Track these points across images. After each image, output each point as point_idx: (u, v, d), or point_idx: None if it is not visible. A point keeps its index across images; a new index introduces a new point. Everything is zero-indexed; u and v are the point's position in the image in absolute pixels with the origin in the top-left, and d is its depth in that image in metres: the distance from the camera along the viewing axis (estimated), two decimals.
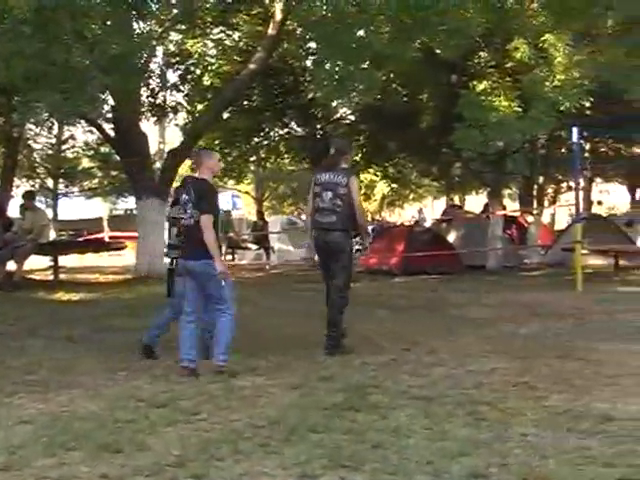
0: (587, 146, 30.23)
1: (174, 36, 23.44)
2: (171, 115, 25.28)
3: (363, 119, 26.73)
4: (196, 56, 24.54)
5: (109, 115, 20.34)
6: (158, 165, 25.12)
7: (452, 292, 17.07)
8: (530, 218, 29.27)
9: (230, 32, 24.99)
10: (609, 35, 17.10)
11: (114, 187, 33.73)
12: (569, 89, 16.43)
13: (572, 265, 18.41)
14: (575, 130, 18.08)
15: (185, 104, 25.48)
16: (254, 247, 29.21)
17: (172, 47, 24.07)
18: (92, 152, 32.06)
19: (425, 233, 24.51)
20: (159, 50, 22.23)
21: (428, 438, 6.12)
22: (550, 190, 41.97)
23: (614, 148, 30.96)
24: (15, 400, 7.40)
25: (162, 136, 37.71)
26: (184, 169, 29.48)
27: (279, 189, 48.28)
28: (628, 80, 16.46)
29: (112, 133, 20.55)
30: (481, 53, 20.31)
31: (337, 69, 16.24)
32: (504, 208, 29.00)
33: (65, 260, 22.79)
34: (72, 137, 32.99)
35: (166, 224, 12.25)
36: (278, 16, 18.35)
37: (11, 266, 17.36)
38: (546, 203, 38.02)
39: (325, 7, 16.61)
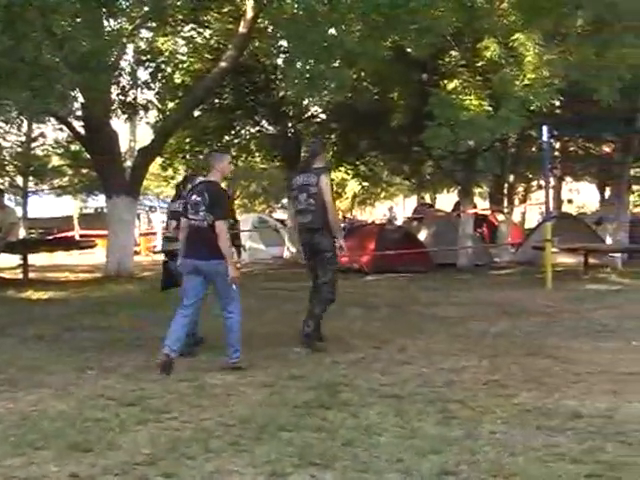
0: (557, 145, 30.42)
1: (145, 34, 23.37)
2: (142, 113, 25.17)
3: (334, 117, 26.72)
4: (167, 54, 24.45)
5: (79, 113, 20.25)
6: (129, 163, 25.03)
7: (423, 290, 17.12)
8: (501, 217, 29.40)
9: (201, 30, 24.94)
10: (579, 34, 17.16)
11: (84, 185, 33.49)
12: (539, 88, 16.47)
13: (542, 263, 18.50)
14: (545, 129, 18.17)
15: (156, 102, 25.36)
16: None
17: (143, 45, 23.97)
18: (62, 150, 31.81)
19: (396, 231, 24.53)
20: (129, 48, 22.16)
21: (398, 436, 6.15)
22: (521, 189, 42.20)
23: (584, 147, 31.13)
24: None
25: (133, 134, 37.54)
26: (155, 167, 29.43)
27: (250, 187, 48.18)
28: (597, 80, 16.56)
29: (82, 131, 20.46)
30: (452, 52, 20.34)
31: (308, 67, 16.23)
32: (475, 207, 29.11)
33: (35, 258, 22.68)
34: (42, 135, 32.72)
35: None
36: (249, 14, 18.33)
37: None
38: (517, 202, 38.18)
39: (296, 5, 16.59)
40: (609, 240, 23.82)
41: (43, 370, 8.70)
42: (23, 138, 32.66)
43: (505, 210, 29.16)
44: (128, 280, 18.18)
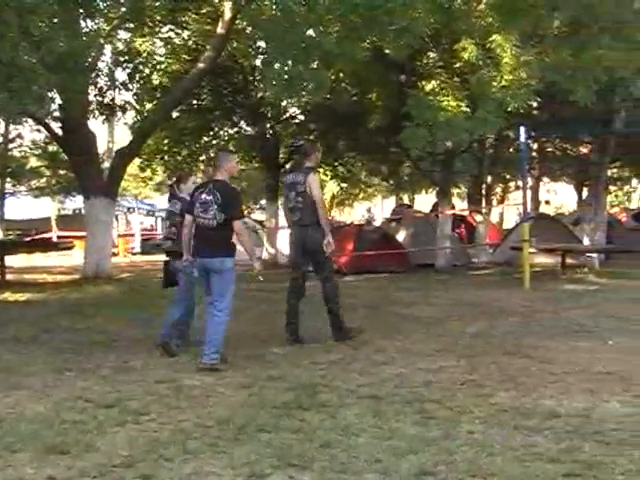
0: (534, 146, 30.56)
1: (122, 34, 23.27)
2: (120, 114, 25.07)
3: (313, 118, 26.71)
4: (145, 55, 24.36)
5: (57, 114, 20.16)
6: (107, 164, 24.95)
7: (401, 291, 17.15)
8: (479, 217, 29.49)
9: (179, 31, 24.86)
10: (555, 36, 17.23)
11: (62, 186, 33.37)
12: (516, 89, 16.52)
13: (520, 264, 18.58)
14: (522, 130, 18.25)
15: (134, 103, 25.29)
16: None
17: (120, 45, 23.85)
18: (40, 151, 31.68)
19: (374, 232, 24.56)
20: (107, 48, 22.08)
21: (377, 437, 6.16)
22: (498, 189, 42.33)
23: (561, 148, 31.29)
24: None
25: (111, 135, 37.42)
26: (133, 168, 29.36)
27: None
28: (574, 81, 16.63)
29: (60, 132, 20.38)
30: (430, 53, 20.38)
31: (286, 68, 16.22)
32: (453, 207, 29.19)
33: (12, 260, 22.58)
34: (19, 136, 32.57)
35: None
36: (227, 15, 18.30)
37: None
38: (494, 202, 38.30)
39: (274, 6, 16.59)
40: (586, 240, 23.92)
41: (20, 372, 8.66)
42: (0, 139, 32.52)
43: (483, 211, 29.23)
44: (106, 281, 18.13)
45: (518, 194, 38.90)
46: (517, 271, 19.23)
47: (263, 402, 7.23)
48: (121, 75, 24.38)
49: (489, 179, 30.94)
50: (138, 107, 25.41)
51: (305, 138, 22.99)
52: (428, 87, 18.12)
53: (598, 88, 16.99)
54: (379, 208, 56.53)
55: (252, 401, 7.31)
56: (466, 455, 5.69)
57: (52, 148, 29.14)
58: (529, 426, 6.41)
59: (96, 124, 24.41)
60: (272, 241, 26.81)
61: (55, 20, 14.74)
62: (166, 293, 11.19)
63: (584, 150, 30.29)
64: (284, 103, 25.46)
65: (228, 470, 5.39)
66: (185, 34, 24.94)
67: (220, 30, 18.69)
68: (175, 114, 24.88)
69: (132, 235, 38.45)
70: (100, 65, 21.68)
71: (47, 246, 26.20)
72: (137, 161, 26.57)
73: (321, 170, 30.26)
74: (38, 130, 27.83)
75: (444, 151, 23.01)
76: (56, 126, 20.77)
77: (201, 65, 19.23)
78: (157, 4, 19.61)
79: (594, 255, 23.01)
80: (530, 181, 34.96)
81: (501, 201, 43.14)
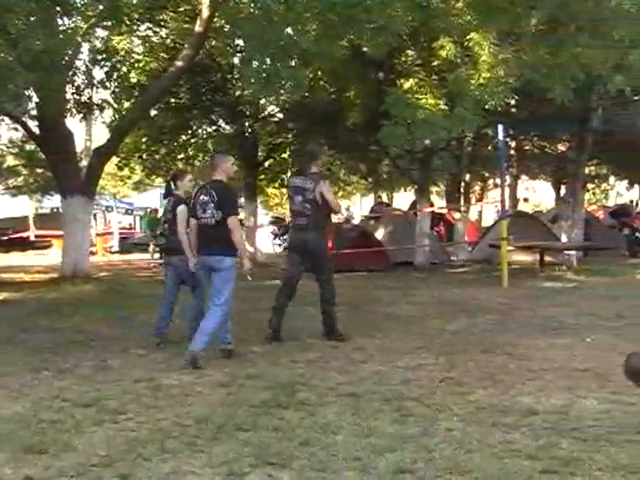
0: (513, 144, 30.66)
1: (100, 32, 23.13)
2: (97, 112, 24.95)
3: (291, 117, 26.68)
4: (122, 53, 24.21)
5: (34, 112, 20.05)
6: (85, 163, 24.82)
7: (380, 289, 17.17)
8: (457, 215, 29.56)
9: (157, 29, 24.74)
10: (533, 34, 17.26)
11: (40, 185, 33.23)
12: (494, 87, 16.53)
13: (498, 261, 18.64)
14: (500, 128, 18.30)
15: (112, 101, 25.18)
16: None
17: (98, 44, 23.73)
18: (17, 150, 31.49)
19: (353, 230, 24.58)
20: (85, 47, 21.94)
21: (356, 434, 6.17)
22: (477, 187, 42.50)
23: (539, 146, 31.40)
24: None
25: (89, 134, 37.28)
26: (111, 167, 29.24)
27: None
28: (551, 79, 16.67)
29: (37, 130, 20.26)
30: (408, 51, 20.37)
31: (264, 67, 16.20)
32: (431, 205, 29.22)
33: None
34: None
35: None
36: (205, 13, 18.23)
37: None
38: (473, 200, 38.43)
39: (252, 5, 16.55)
40: (564, 238, 24.02)
41: None
42: None
43: (462, 209, 29.31)
44: (84, 280, 18.04)
45: (497, 192, 38.94)
46: (496, 269, 19.30)
47: (242, 401, 7.22)
48: (99, 73, 24.29)
49: (467, 177, 31.03)
50: (116, 105, 25.29)
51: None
52: (406, 85, 18.10)
53: (575, 86, 17.04)
54: (358, 206, 56.54)
55: (231, 400, 7.30)
56: (444, 452, 5.71)
57: (29, 147, 28.98)
58: (507, 423, 6.44)
59: (74, 122, 24.29)
60: (251, 240, 26.76)
61: (32, 18, 14.66)
62: (143, 293, 11.15)
63: (562, 148, 30.40)
64: (262, 101, 25.43)
65: (206, 469, 5.39)
66: (163, 32, 24.82)
67: (198, 28, 18.62)
68: (153, 112, 24.78)
69: (110, 234, 38.29)
70: (77, 63, 21.55)
71: (24, 245, 26.08)
72: (115, 160, 26.45)
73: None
74: (15, 129, 27.62)
75: (422, 149, 23.04)
76: (33, 124, 20.65)
77: (179, 63, 19.15)
78: (135, 2, 19.50)
79: (572, 252, 23.11)
80: (508, 179, 35.02)
81: (480, 199, 43.35)
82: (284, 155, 28.72)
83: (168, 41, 24.73)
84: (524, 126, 25.48)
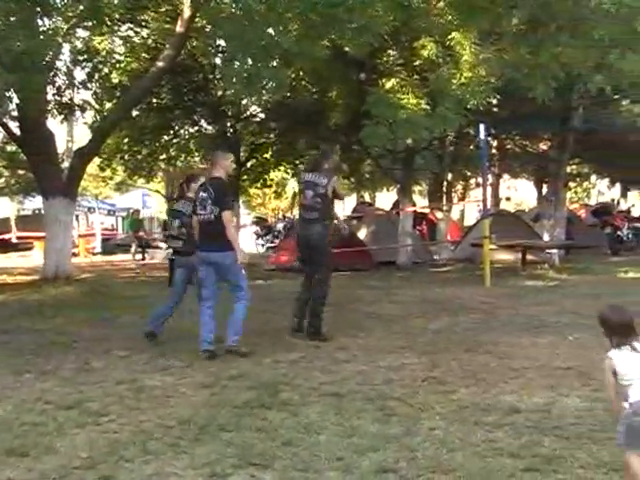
0: (494, 143, 30.73)
1: (81, 33, 23.05)
2: (79, 113, 24.86)
3: (273, 117, 26.70)
4: (104, 53, 24.18)
5: (14, 113, 19.94)
6: (67, 164, 24.73)
7: (363, 289, 17.18)
8: (440, 214, 29.59)
9: (138, 29, 24.70)
10: (514, 34, 17.31)
11: (21, 186, 33.08)
12: (475, 86, 16.57)
13: (481, 260, 18.67)
14: (482, 127, 18.33)
15: (93, 102, 25.10)
16: (164, 246, 29.00)
17: (79, 44, 23.65)
18: None
19: (335, 231, 24.52)
20: (66, 47, 21.86)
21: (338, 434, 6.18)
22: (459, 187, 42.57)
23: (521, 145, 31.47)
24: None
25: (70, 135, 37.13)
26: (93, 168, 29.13)
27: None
28: (532, 78, 16.72)
29: (18, 131, 20.16)
30: (389, 51, 20.42)
31: (246, 67, 16.18)
32: (414, 205, 29.26)
33: None
34: None
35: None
36: (186, 13, 18.19)
37: None
38: (455, 199, 38.47)
39: (234, 5, 16.53)
40: (546, 237, 24.09)
41: None
42: None
43: (444, 208, 29.34)
44: (66, 282, 17.96)
45: (479, 191, 39.11)
46: (478, 268, 19.33)
47: (225, 401, 7.22)
48: (80, 74, 24.22)
49: (450, 176, 31.10)
50: (97, 106, 25.22)
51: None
52: (388, 85, 18.13)
53: (556, 85, 17.08)
54: (340, 206, 56.52)
55: (214, 400, 7.30)
56: (427, 451, 5.73)
57: (10, 148, 28.83)
58: (490, 422, 6.47)
59: (55, 123, 24.18)
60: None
61: (12, 19, 14.59)
62: (126, 294, 11.14)
63: (544, 147, 30.50)
64: (244, 101, 25.43)
65: (189, 470, 5.39)
66: (144, 33, 24.79)
67: (179, 29, 18.57)
68: (135, 113, 24.72)
69: (93, 235, 38.15)
70: (58, 64, 21.45)
71: (6, 247, 25.96)
72: (97, 160, 26.36)
73: (282, 168, 30.35)
74: None
75: (405, 149, 23.06)
76: (14, 125, 20.54)
77: (161, 64, 19.10)
78: (116, 2, 19.42)
79: (554, 251, 23.18)
80: (490, 178, 35.14)
81: (462, 198, 43.43)
82: (266, 155, 28.72)
83: (149, 41, 24.71)
84: (506, 125, 25.57)
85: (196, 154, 31.15)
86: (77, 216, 34.79)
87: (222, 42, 21.59)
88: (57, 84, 21.91)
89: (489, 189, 31.13)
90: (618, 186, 47.51)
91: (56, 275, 18.44)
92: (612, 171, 39.00)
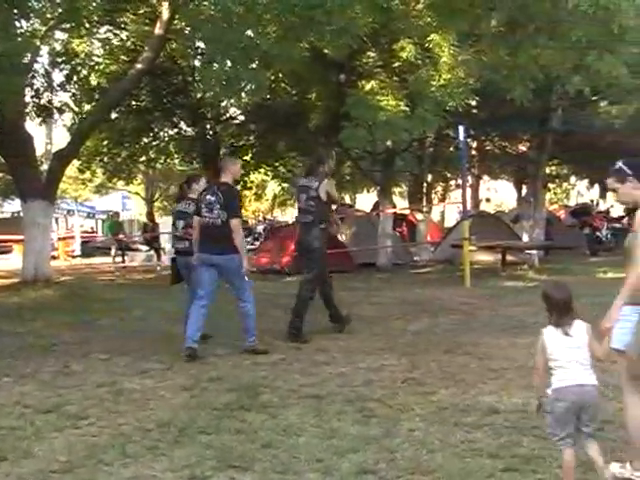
0: (474, 144, 30.80)
1: (59, 35, 22.99)
2: (57, 116, 24.78)
3: (253, 119, 26.68)
4: (82, 56, 24.12)
5: None
6: (46, 167, 24.63)
7: (344, 290, 17.12)
8: (420, 216, 29.63)
9: (117, 31, 24.63)
10: (492, 35, 17.37)
11: (0, 189, 32.92)
12: (454, 88, 16.60)
13: (461, 261, 18.72)
14: (461, 128, 18.38)
15: (72, 104, 25.02)
16: (145, 248, 28.95)
17: (57, 46, 23.59)
18: None
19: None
20: (44, 49, 21.77)
21: (318, 436, 6.18)
22: (439, 188, 42.66)
23: (500, 146, 31.54)
24: None
25: (49, 137, 36.98)
26: (72, 170, 29.02)
27: (170, 190, 47.77)
28: (511, 79, 16.79)
29: None
30: (369, 53, 20.46)
31: (225, 69, 16.17)
32: (394, 206, 29.30)
33: None
34: None
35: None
36: (165, 15, 18.16)
37: None
38: (435, 201, 38.56)
39: (212, 6, 16.51)
40: (526, 237, 24.17)
41: None
42: None
43: (424, 209, 29.38)
44: (45, 285, 17.85)
45: (459, 192, 39.21)
46: (458, 269, 19.38)
47: (204, 404, 7.22)
48: (58, 76, 24.14)
49: (430, 178, 31.16)
50: (76, 108, 25.14)
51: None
52: (367, 87, 18.14)
53: (535, 87, 17.16)
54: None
55: (193, 403, 7.29)
56: (406, 453, 5.74)
57: None
58: (469, 422, 6.49)
59: (34, 126, 24.10)
60: None
61: None
62: (106, 297, 11.11)
63: (523, 148, 30.59)
64: (224, 104, 25.40)
65: (168, 473, 5.38)
66: (123, 35, 24.73)
67: (158, 31, 18.52)
68: (114, 115, 24.64)
69: (72, 238, 37.99)
70: (36, 66, 21.39)
71: None
72: (76, 163, 26.28)
73: (262, 170, 30.32)
74: None
75: (384, 150, 23.12)
76: None
77: (139, 66, 19.03)
78: (94, 4, 19.35)
79: (533, 252, 23.24)
80: (470, 179, 35.24)
81: (442, 199, 43.52)
82: (246, 157, 28.70)
83: (128, 43, 24.65)
84: (485, 127, 25.65)
85: (176, 156, 31.10)
86: (56, 219, 34.73)
87: (201, 44, 21.59)
88: (35, 86, 21.83)
89: (469, 190, 31.14)
90: (597, 187, 47.72)
91: (35, 278, 18.33)
92: (591, 172, 39.10)
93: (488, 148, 32.43)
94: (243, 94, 18.25)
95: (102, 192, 49.26)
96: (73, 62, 23.81)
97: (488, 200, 48.14)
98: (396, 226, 27.79)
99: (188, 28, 20.62)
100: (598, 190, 48.00)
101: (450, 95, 16.72)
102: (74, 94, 24.61)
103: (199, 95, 24.42)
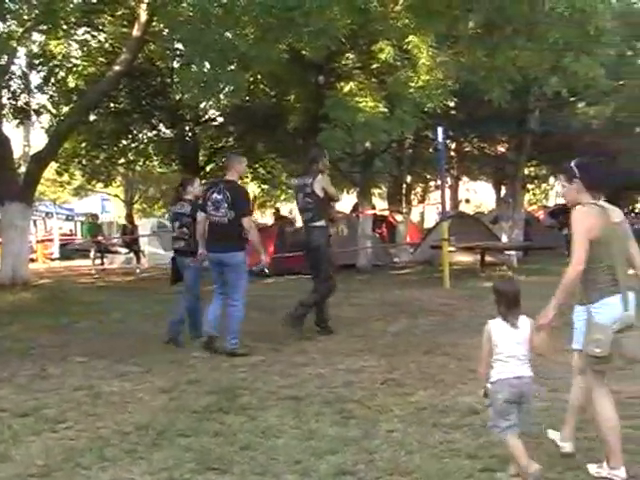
0: (453, 145, 30.88)
1: (37, 37, 22.92)
2: (35, 117, 24.69)
3: (231, 120, 26.66)
4: (60, 57, 24.05)
5: None
6: (24, 169, 24.53)
7: None
8: (399, 217, 29.68)
9: (95, 33, 24.57)
10: (470, 37, 17.44)
11: None
12: (433, 89, 16.66)
13: (440, 262, 18.74)
14: (440, 130, 18.42)
15: (49, 106, 24.94)
16: (124, 251, 28.85)
17: (35, 48, 23.52)
18: None
19: (296, 233, 24.53)
20: (21, 51, 21.70)
21: (297, 438, 6.18)
22: (419, 189, 42.70)
23: (479, 147, 31.62)
24: None
25: (27, 139, 36.80)
26: (50, 172, 28.88)
27: (149, 192, 47.67)
28: (489, 81, 16.86)
29: None
30: (347, 54, 20.48)
31: (204, 71, 16.16)
32: (373, 207, 29.33)
33: None
34: None
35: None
36: (143, 17, 18.15)
37: None
38: (415, 202, 38.59)
39: (191, 8, 16.49)
40: (505, 238, 24.25)
41: None
42: None
43: (403, 210, 29.43)
44: (23, 288, 17.79)
45: (438, 193, 39.27)
46: (437, 270, 19.41)
47: (183, 406, 7.20)
48: (36, 78, 24.06)
49: (409, 179, 31.22)
50: (54, 110, 25.07)
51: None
52: (346, 88, 18.16)
53: (513, 88, 17.25)
54: None
55: (172, 406, 7.27)
56: (385, 454, 5.74)
57: None
58: (448, 423, 6.50)
59: (11, 128, 24.00)
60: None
61: None
62: (84, 299, 11.07)
63: (501, 149, 30.70)
64: (203, 105, 25.36)
65: (146, 476, 5.37)
66: (101, 36, 24.68)
67: (136, 32, 18.51)
68: (92, 117, 24.60)
69: (51, 240, 37.81)
70: (13, 68, 21.33)
71: None
72: (54, 165, 26.18)
73: None
74: None
75: (363, 152, 23.16)
76: None
77: (117, 68, 19.01)
78: (71, 6, 19.29)
79: (512, 253, 23.35)
80: (449, 180, 35.36)
81: (421, 201, 43.56)
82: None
83: (106, 45, 24.61)
84: (463, 128, 25.74)
85: (155, 158, 31.02)
86: (35, 221, 34.51)
87: (179, 46, 21.58)
88: (12, 88, 21.80)
89: (448, 191, 31.28)
90: None
91: (13, 281, 18.27)
92: None
93: (467, 149, 32.52)
94: (222, 96, 18.26)
95: (81, 194, 49.07)
96: (50, 64, 23.76)
97: (467, 201, 48.18)
98: (376, 227, 27.83)
99: (166, 30, 20.60)
100: None
101: (428, 96, 16.78)
102: (52, 96, 24.57)
103: (178, 97, 24.39)
